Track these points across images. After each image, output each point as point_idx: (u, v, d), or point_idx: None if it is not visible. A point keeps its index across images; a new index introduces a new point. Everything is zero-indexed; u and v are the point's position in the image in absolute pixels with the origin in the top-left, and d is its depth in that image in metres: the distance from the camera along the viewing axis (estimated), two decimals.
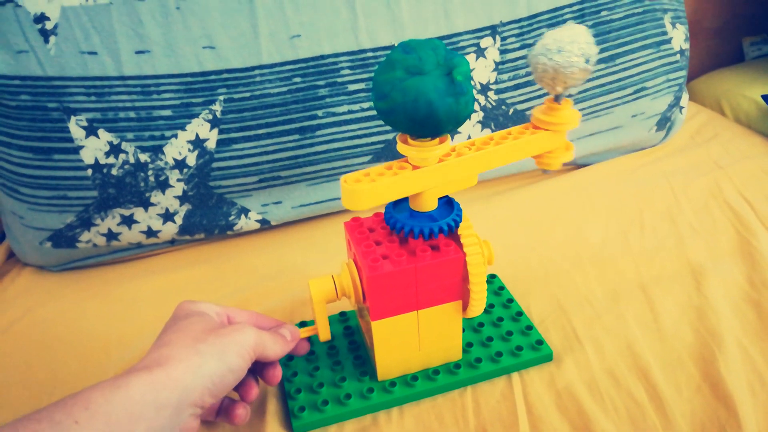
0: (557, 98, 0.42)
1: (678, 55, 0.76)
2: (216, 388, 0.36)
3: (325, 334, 0.47)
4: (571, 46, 0.38)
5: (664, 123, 0.78)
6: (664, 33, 0.74)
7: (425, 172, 0.41)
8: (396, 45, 0.39)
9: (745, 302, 0.53)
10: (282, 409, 0.47)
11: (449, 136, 0.41)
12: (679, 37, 0.76)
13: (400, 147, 0.41)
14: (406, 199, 0.45)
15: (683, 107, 0.81)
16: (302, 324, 0.54)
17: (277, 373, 0.44)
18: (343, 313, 0.55)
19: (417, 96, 0.36)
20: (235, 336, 0.39)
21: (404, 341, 0.46)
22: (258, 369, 0.44)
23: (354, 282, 0.45)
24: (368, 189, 0.39)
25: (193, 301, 0.43)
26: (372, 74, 0.63)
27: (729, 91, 0.92)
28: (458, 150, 0.42)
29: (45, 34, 0.57)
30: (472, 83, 0.66)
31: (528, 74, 0.67)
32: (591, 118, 0.72)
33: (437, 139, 0.41)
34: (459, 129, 0.68)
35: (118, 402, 0.32)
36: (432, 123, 0.37)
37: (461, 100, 0.37)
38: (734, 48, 1.08)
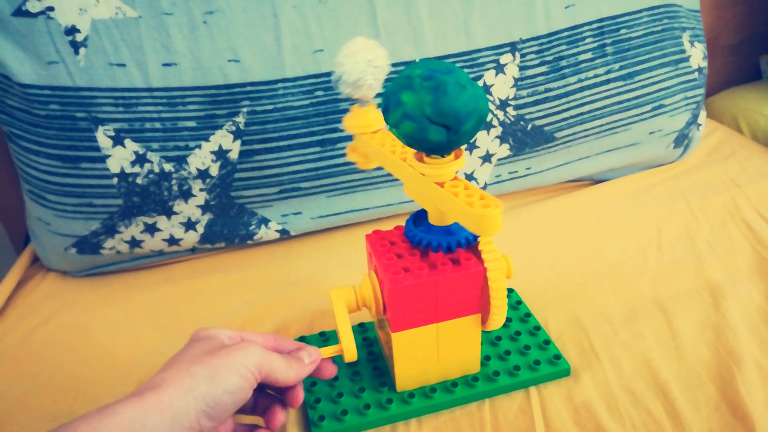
0: (361, 104, 0.48)
1: (696, 73, 0.76)
2: (213, 411, 0.35)
3: (350, 352, 0.43)
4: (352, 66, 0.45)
5: (682, 140, 0.78)
6: (683, 51, 0.75)
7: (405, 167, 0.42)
8: (420, 75, 0.37)
9: (763, 322, 0.53)
10: (302, 418, 0.47)
11: (461, 155, 0.41)
12: (697, 55, 0.76)
13: (418, 166, 0.41)
14: (425, 214, 0.46)
15: (701, 125, 0.81)
16: (322, 335, 0.54)
17: (299, 395, 0.42)
18: (362, 324, 0.55)
19: (481, 94, 0.38)
20: (236, 355, 0.37)
21: (423, 353, 0.47)
22: (279, 392, 0.43)
23: (375, 294, 0.45)
24: (499, 213, 0.38)
25: (207, 327, 0.41)
26: None
27: (746, 109, 0.92)
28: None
29: (75, 46, 0.58)
30: (491, 98, 0.67)
31: (547, 90, 0.68)
32: (609, 135, 0.73)
33: (453, 154, 0.41)
34: (478, 144, 0.68)
35: (104, 430, 0.31)
36: (464, 133, 0.38)
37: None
38: (751, 66, 1.08)
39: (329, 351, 0.45)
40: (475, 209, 0.37)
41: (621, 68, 0.71)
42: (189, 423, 0.34)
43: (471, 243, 0.44)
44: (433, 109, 0.36)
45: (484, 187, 0.71)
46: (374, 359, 0.51)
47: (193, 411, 0.34)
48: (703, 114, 0.81)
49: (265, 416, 0.42)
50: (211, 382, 0.35)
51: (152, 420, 0.32)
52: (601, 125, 0.72)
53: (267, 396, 0.44)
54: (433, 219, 0.44)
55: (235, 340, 0.41)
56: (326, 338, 0.54)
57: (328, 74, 0.63)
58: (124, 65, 0.59)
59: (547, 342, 0.51)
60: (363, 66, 0.45)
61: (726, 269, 0.60)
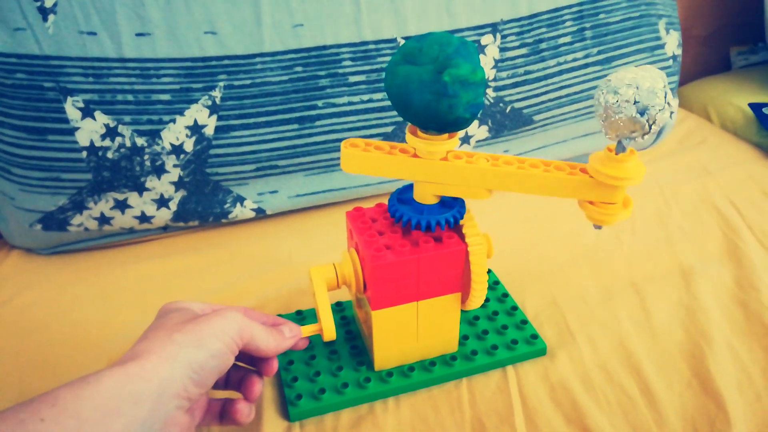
0: (618, 147, 0.37)
1: (671, 61, 0.77)
2: (199, 377, 0.34)
3: (330, 332, 0.43)
4: (627, 89, 0.34)
5: None
6: (658, 38, 0.75)
7: (418, 163, 0.42)
8: (458, 43, 0.38)
9: (732, 302, 0.54)
10: (279, 397, 0.47)
11: (455, 136, 0.41)
12: (672, 42, 0.77)
13: (414, 141, 0.41)
14: (410, 191, 0.45)
15: (674, 112, 0.82)
16: (299, 313, 0.54)
17: (274, 364, 0.42)
18: (339, 303, 0.55)
19: (400, 83, 0.38)
20: (216, 321, 0.36)
21: (403, 332, 0.46)
22: (252, 364, 0.43)
23: (355, 271, 0.45)
24: (357, 155, 0.42)
25: (176, 301, 0.40)
26: (373, 66, 0.63)
27: (716, 99, 0.94)
28: (472, 158, 0.42)
29: (44, 12, 0.56)
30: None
31: (527, 72, 0.68)
32: (586, 119, 0.73)
33: (444, 135, 0.41)
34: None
35: (87, 398, 0.30)
36: (409, 115, 0.39)
37: (443, 101, 0.37)
38: (722, 57, 1.10)
39: (309, 330, 0.44)
40: (344, 144, 0.42)
41: (599, 53, 0.71)
42: (176, 390, 0.33)
43: (454, 224, 0.44)
44: (482, 73, 0.38)
45: None
46: (352, 338, 0.51)
47: (179, 378, 0.33)
48: (675, 102, 0.82)
49: (241, 387, 0.41)
50: (195, 347, 0.34)
51: (138, 387, 0.31)
52: (579, 109, 0.72)
53: (239, 369, 0.43)
54: (419, 197, 0.44)
55: (206, 312, 0.40)
56: (303, 317, 0.53)
57: (308, 50, 0.61)
58: (95, 34, 0.57)
59: (524, 322, 0.52)
60: (600, 84, 0.36)
61: (697, 253, 0.61)
